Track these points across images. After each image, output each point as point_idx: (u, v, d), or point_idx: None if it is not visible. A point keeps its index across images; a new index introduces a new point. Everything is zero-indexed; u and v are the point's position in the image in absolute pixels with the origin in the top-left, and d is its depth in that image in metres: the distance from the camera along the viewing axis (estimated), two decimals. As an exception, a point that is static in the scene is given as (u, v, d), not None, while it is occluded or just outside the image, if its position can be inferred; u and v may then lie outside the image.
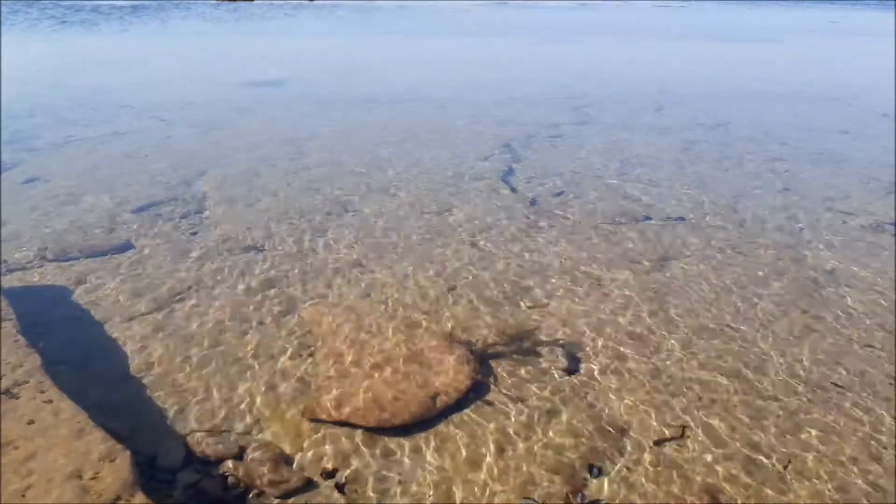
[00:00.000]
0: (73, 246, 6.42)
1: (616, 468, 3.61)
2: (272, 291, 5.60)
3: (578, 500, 3.39)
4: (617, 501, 3.39)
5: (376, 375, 4.28)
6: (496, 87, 16.39)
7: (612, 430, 3.91)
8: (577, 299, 5.52)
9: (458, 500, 3.38)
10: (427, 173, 9.00)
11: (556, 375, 4.45)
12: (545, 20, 44.03)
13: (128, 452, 3.25)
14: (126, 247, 6.48)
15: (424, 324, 5.07)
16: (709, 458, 3.69)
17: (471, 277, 5.90)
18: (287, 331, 4.99)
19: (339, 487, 3.45)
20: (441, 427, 3.91)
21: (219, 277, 5.85)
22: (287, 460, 3.64)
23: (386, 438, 3.81)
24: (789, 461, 3.66)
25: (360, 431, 3.85)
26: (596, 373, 4.49)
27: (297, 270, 6.00)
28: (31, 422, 3.45)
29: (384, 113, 13.19)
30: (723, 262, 6.27)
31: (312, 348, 4.72)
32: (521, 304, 5.44)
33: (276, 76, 17.82)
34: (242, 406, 4.10)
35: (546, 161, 9.64)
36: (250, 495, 3.38)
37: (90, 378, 4.28)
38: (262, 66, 20.30)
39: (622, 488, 3.47)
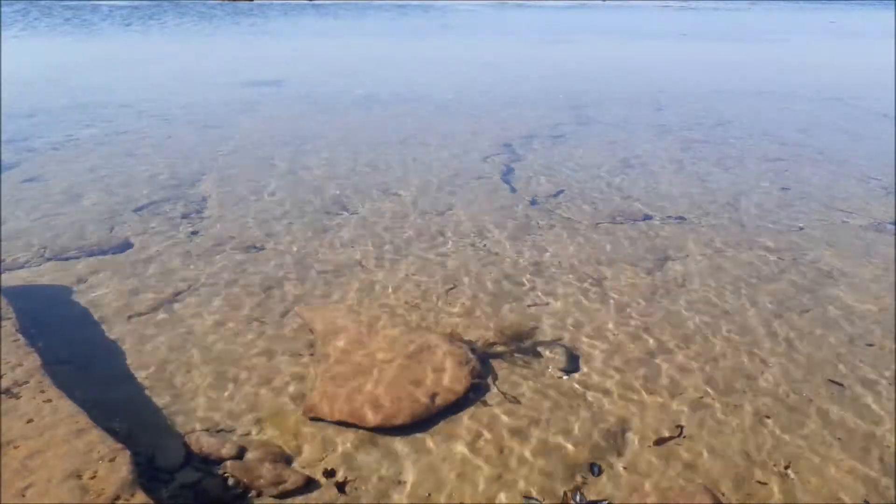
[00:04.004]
0: (72, 245, 6.42)
1: (616, 467, 3.61)
2: (272, 291, 5.60)
3: (578, 499, 3.39)
4: (617, 501, 3.39)
5: (376, 375, 4.27)
6: (496, 87, 16.39)
7: (611, 429, 3.91)
8: (576, 299, 5.52)
9: (458, 500, 3.38)
10: (427, 173, 9.00)
11: (555, 375, 4.45)
12: (545, 20, 44.03)
13: (127, 452, 3.25)
14: (126, 246, 6.48)
15: (424, 323, 5.07)
16: (709, 457, 3.69)
17: (471, 277, 5.90)
18: (287, 330, 4.99)
19: (339, 487, 3.45)
20: (441, 427, 3.91)
21: (218, 277, 5.85)
22: (287, 460, 3.64)
23: (386, 438, 3.81)
24: (790, 461, 3.66)
25: (359, 431, 3.85)
26: (595, 372, 4.49)
27: (297, 270, 6.00)
28: (30, 421, 3.45)
29: (384, 113, 13.19)
30: (722, 262, 6.27)
31: (312, 348, 4.72)
32: (521, 303, 5.44)
33: (275, 76, 17.81)
34: (242, 405, 4.10)
35: (546, 161, 9.64)
36: (250, 495, 3.38)
37: (90, 378, 4.28)
38: (261, 65, 20.31)
39: (622, 487, 3.47)
